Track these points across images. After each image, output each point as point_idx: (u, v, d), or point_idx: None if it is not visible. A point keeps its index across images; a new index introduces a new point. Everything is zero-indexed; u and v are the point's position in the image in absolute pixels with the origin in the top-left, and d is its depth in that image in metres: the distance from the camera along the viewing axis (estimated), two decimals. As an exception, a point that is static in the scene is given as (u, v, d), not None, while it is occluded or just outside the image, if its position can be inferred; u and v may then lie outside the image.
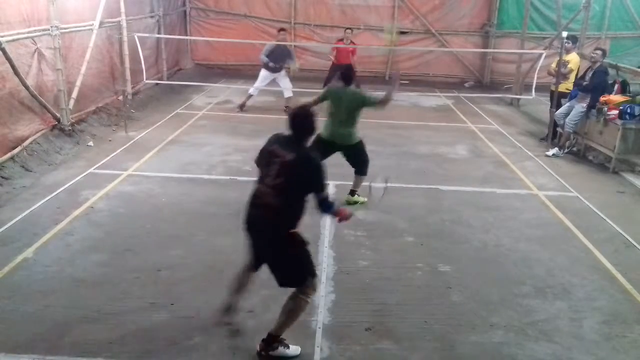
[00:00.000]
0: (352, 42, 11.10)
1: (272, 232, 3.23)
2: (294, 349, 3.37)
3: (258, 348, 3.35)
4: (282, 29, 10.34)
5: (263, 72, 9.98)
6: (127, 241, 4.77)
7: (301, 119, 3.26)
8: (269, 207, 3.17)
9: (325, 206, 3.23)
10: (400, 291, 4.17)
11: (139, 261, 4.44)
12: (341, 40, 11.21)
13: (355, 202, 5.69)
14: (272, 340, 3.31)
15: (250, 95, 10.13)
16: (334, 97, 5.52)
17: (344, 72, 5.65)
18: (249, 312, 3.79)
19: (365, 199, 5.50)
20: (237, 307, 3.64)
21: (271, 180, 3.16)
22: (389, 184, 3.91)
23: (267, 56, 9.77)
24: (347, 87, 5.52)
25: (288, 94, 10.12)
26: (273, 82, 10.09)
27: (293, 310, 3.29)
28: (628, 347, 3.62)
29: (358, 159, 5.65)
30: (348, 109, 5.41)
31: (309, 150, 3.32)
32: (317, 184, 3.16)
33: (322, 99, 5.59)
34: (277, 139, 3.31)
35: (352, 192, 5.75)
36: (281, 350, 3.33)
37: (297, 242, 3.23)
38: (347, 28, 11.31)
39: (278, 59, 9.81)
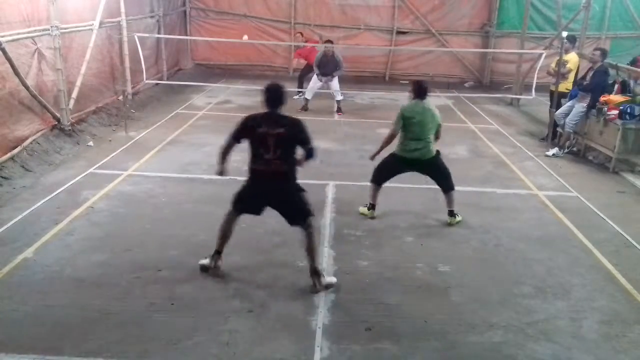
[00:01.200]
0: (307, 41, 11.96)
1: (288, 187, 4.08)
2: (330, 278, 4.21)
3: (316, 285, 4.08)
4: (328, 41, 10.65)
5: (314, 78, 10.29)
6: (127, 241, 4.77)
7: (274, 92, 3.96)
8: (280, 173, 3.98)
9: (313, 152, 4.01)
10: (400, 291, 4.17)
11: (139, 261, 4.44)
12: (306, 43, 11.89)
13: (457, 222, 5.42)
14: (318, 272, 4.12)
15: (307, 99, 10.36)
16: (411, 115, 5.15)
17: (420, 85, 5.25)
18: (249, 312, 3.79)
19: (461, 219, 5.43)
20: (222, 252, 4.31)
21: (272, 155, 3.90)
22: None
23: (318, 67, 10.12)
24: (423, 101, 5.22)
25: (338, 96, 10.35)
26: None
27: (313, 243, 4.11)
28: (628, 347, 3.61)
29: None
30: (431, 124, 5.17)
31: (288, 116, 4.00)
32: (307, 138, 3.97)
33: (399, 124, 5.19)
34: (258, 120, 3.96)
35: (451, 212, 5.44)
36: (327, 279, 4.16)
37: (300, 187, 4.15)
38: (299, 32, 12.65)
39: (327, 70, 10.07)
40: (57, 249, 4.57)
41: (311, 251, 4.11)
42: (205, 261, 4.28)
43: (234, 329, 3.61)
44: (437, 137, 5.32)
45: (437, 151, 5.33)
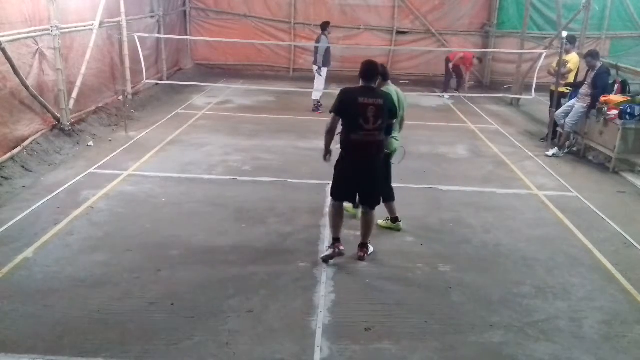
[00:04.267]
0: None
1: (380, 159, 4.40)
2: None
3: (363, 257, 4.57)
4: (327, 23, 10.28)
5: (319, 76, 10.18)
6: (127, 241, 4.77)
7: (369, 66, 4.22)
8: (376, 144, 4.26)
9: (390, 129, 4.43)
10: (400, 291, 4.17)
11: (139, 261, 4.44)
12: None
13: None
14: (366, 245, 4.60)
15: (320, 102, 10.33)
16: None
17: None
18: (249, 312, 3.79)
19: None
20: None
21: (372, 125, 4.13)
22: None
23: (325, 59, 9.99)
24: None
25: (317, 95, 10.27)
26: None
27: (372, 223, 4.57)
28: (628, 347, 3.61)
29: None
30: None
31: (381, 90, 4.39)
32: (394, 112, 4.36)
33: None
34: (357, 93, 4.17)
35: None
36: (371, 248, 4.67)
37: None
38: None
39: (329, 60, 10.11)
40: (57, 249, 4.57)
41: (368, 229, 4.52)
42: (328, 252, 4.49)
43: (234, 329, 3.61)
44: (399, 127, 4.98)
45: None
